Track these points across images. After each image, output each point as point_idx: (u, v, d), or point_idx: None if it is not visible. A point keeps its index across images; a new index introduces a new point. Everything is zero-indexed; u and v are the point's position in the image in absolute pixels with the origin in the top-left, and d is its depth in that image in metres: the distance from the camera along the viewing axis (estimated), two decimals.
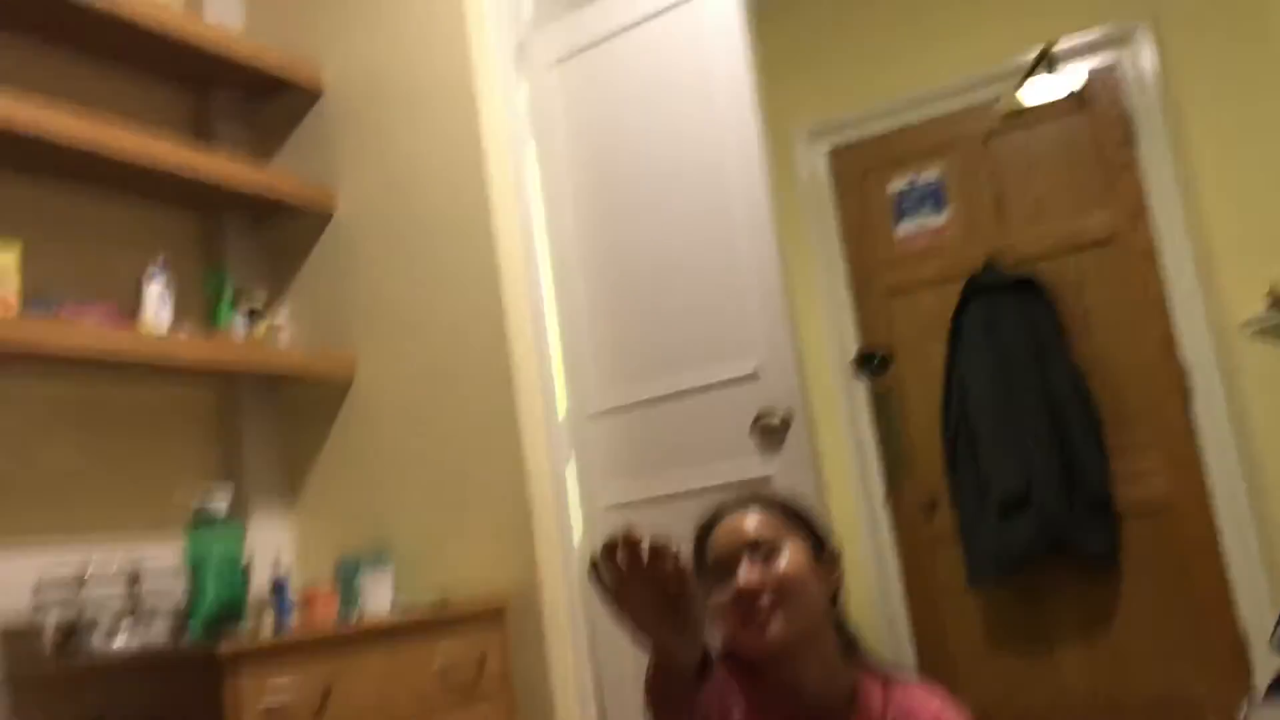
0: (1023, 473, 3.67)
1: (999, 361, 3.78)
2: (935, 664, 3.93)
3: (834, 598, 1.60)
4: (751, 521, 1.55)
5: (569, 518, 2.89)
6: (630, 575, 1.08)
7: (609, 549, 1.11)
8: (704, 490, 2.66)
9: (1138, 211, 3.72)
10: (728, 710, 1.49)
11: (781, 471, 2.60)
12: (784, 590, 1.49)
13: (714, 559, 1.55)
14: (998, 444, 3.71)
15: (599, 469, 2.89)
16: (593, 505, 2.90)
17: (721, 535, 1.57)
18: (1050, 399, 3.71)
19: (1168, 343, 3.65)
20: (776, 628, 1.48)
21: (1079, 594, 3.73)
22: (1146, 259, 3.71)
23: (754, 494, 1.65)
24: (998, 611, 3.87)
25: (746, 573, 1.50)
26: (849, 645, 1.60)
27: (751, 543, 1.53)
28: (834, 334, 4.11)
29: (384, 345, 3.04)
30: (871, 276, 4.14)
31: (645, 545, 1.09)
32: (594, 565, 1.11)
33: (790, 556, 1.52)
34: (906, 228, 4.09)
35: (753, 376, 2.65)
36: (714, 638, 1.56)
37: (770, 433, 2.61)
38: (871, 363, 4.06)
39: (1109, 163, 3.78)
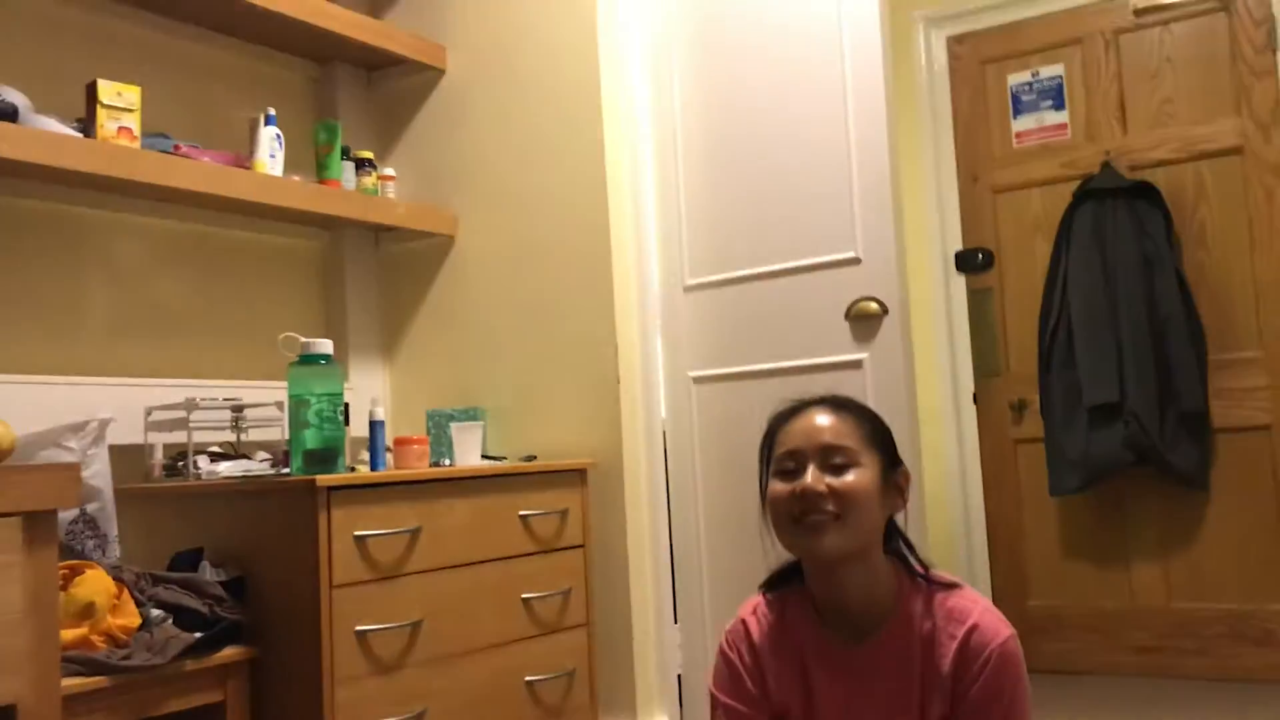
0: (1117, 382, 3.60)
1: (1105, 267, 3.68)
2: (1007, 565, 3.94)
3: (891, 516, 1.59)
4: (832, 424, 1.53)
5: (655, 388, 2.93)
6: None
7: None
8: (793, 370, 2.69)
9: (1271, 122, 3.55)
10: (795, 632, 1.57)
11: (873, 359, 2.59)
12: (848, 504, 1.47)
13: (785, 451, 1.54)
14: (1095, 351, 3.64)
15: (688, 342, 2.92)
16: (679, 377, 2.93)
17: (798, 429, 1.54)
18: (1153, 310, 3.61)
19: None
20: (832, 540, 1.47)
21: (1161, 509, 3.68)
22: (1276, 173, 3.55)
23: (837, 397, 1.61)
24: (1076, 519, 3.84)
25: (815, 476, 1.48)
26: (898, 555, 1.59)
27: (827, 446, 1.50)
28: (936, 227, 4.03)
29: (486, 207, 3.07)
30: (981, 171, 4.03)
31: None
32: None
33: (861, 472, 1.49)
34: (1023, 123, 3.96)
35: (853, 261, 2.63)
36: (767, 529, 1.56)
37: (866, 319, 2.60)
38: (973, 259, 3.99)
39: (1246, 68, 3.60)
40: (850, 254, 2.63)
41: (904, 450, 2.48)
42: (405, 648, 2.25)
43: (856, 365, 2.60)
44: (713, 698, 1.62)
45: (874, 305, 2.58)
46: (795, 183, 2.73)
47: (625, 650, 2.75)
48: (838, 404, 1.57)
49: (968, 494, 3.99)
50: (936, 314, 3.99)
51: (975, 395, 4.00)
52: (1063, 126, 3.89)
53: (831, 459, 1.49)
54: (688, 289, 2.92)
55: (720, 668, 1.63)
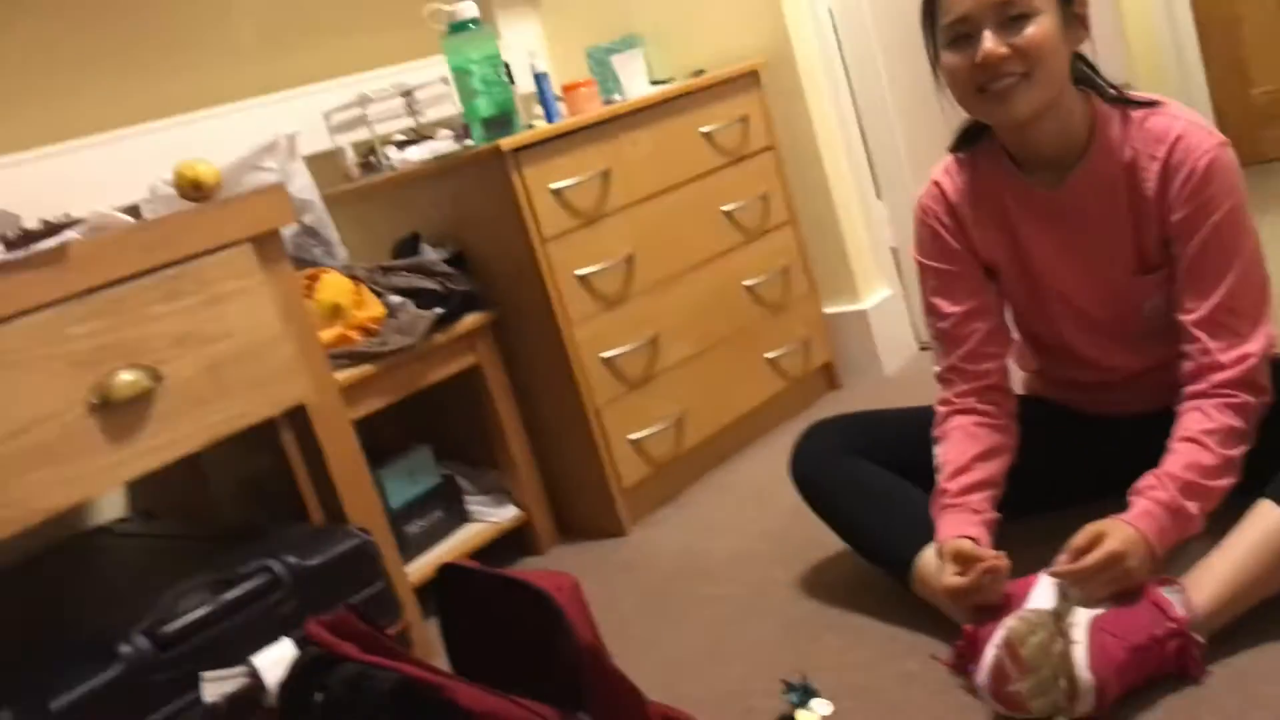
0: None
1: None
2: (1224, 54, 3.66)
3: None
4: None
5: None
6: None
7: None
8: None
9: None
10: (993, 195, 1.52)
11: None
12: (1034, 59, 1.37)
13: (953, 18, 1.41)
14: None
15: None
16: None
17: None
18: None
19: None
20: (1023, 101, 1.39)
21: None
22: None
23: None
24: None
25: (993, 40, 1.37)
26: (1085, 81, 1.49)
27: (999, 2, 1.37)
28: None
29: None
30: None
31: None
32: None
33: (1041, 20, 1.37)
34: None
35: None
36: (944, 95, 1.49)
37: None
38: None
39: None
40: None
41: None
42: (624, 281, 2.35)
43: None
44: (919, 265, 1.63)
45: None
46: None
47: (834, 236, 2.77)
48: None
49: None
50: None
51: None
52: None
53: (1006, 14, 1.37)
54: None
55: (921, 233, 1.63)
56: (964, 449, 1.55)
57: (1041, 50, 1.37)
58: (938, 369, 1.63)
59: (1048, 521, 1.53)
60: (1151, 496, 1.35)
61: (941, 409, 1.61)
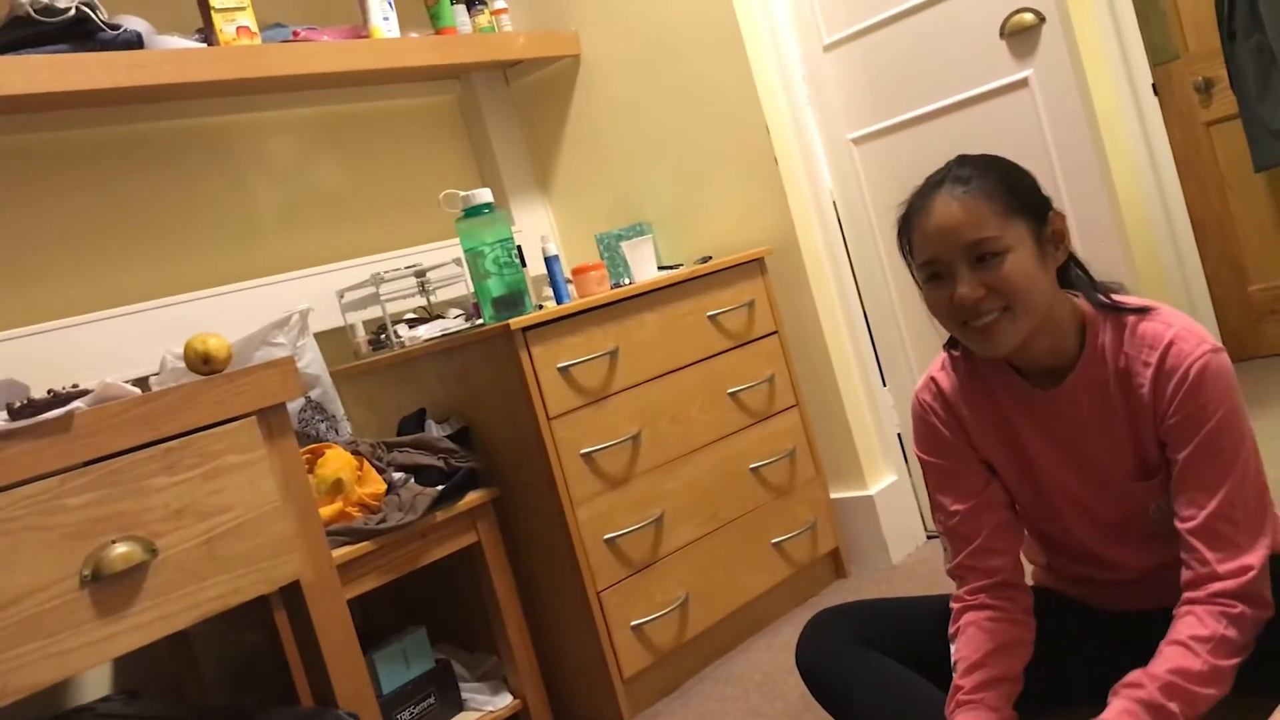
0: None
1: None
2: (1220, 254, 3.75)
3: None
4: (963, 215, 1.37)
5: (817, 158, 2.85)
6: None
7: None
8: (955, 106, 2.56)
9: None
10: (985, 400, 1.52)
11: (1039, 74, 2.43)
12: (1012, 295, 1.36)
13: (926, 258, 1.42)
14: None
15: (840, 103, 2.80)
16: (838, 142, 2.83)
17: (931, 231, 1.39)
18: None
19: None
20: (1006, 336, 1.38)
21: None
22: None
23: (959, 168, 1.43)
24: None
25: (968, 283, 1.37)
26: (1077, 285, 1.48)
27: (968, 244, 1.37)
28: None
29: (603, 16, 2.98)
30: None
31: None
32: None
33: (1014, 256, 1.36)
34: None
35: None
36: (933, 324, 1.49)
37: (1023, 33, 2.43)
38: None
39: None
40: None
41: (1088, 159, 2.38)
42: (630, 460, 2.34)
43: (1022, 85, 2.45)
44: (921, 461, 1.61)
45: (1029, 16, 2.40)
46: None
47: (840, 421, 2.77)
48: (961, 179, 1.40)
49: (1164, 190, 3.77)
50: (1097, 7, 3.69)
51: (1154, 85, 3.72)
52: None
53: (977, 254, 1.37)
54: (828, 47, 2.78)
55: (919, 429, 1.61)
56: (978, 644, 1.50)
57: (1016, 285, 1.36)
58: (948, 567, 1.60)
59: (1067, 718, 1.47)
60: (1130, 695, 1.29)
61: (955, 606, 1.57)
